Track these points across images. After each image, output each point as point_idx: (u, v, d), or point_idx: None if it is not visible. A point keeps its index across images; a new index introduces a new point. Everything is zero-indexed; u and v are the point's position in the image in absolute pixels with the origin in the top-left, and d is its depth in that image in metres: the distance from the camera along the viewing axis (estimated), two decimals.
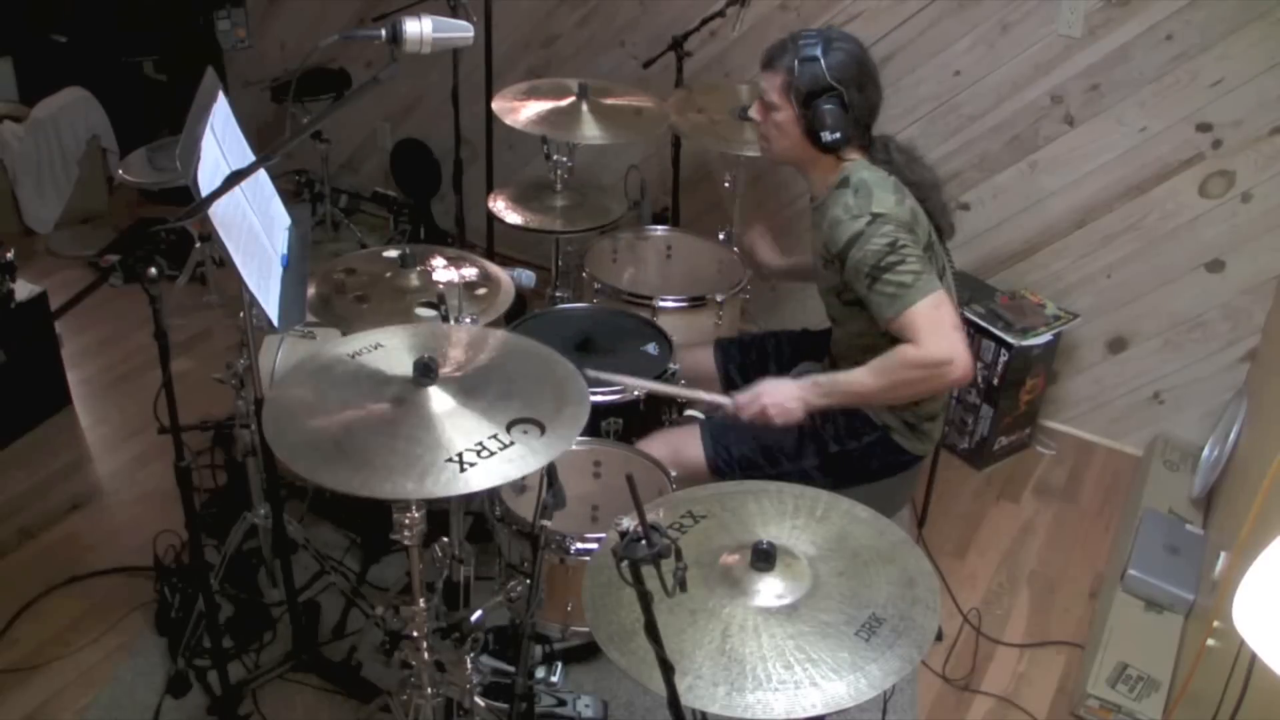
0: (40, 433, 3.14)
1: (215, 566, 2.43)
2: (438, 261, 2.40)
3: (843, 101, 2.06)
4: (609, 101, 2.96)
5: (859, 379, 2.10)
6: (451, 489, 1.47)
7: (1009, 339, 2.98)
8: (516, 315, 2.74)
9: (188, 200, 1.62)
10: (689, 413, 2.53)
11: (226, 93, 1.97)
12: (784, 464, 2.29)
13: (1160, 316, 3.06)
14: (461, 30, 1.67)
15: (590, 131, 2.86)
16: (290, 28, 4.23)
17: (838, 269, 2.12)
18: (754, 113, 2.19)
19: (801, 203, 3.48)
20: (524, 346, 1.81)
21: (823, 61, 2.04)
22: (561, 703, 2.20)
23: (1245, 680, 1.58)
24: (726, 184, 3.09)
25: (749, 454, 2.31)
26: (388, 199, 4.15)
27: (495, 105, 2.90)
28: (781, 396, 2.16)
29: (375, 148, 4.29)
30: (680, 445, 2.34)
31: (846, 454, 2.28)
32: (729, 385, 2.59)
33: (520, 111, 2.87)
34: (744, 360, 2.59)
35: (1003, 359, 3.01)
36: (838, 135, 2.07)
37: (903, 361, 2.03)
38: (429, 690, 1.91)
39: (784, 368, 2.51)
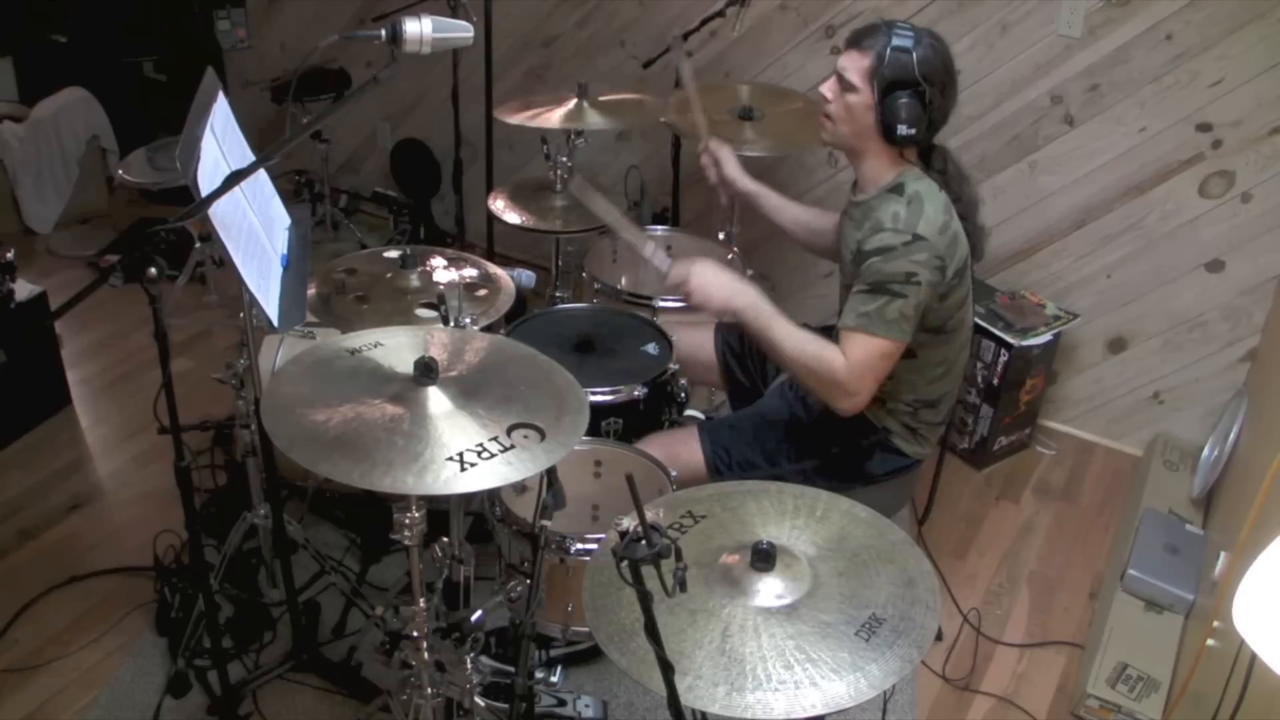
0: (40, 433, 3.14)
1: (215, 566, 2.43)
2: (438, 262, 2.40)
3: (923, 99, 2.00)
4: (608, 99, 2.96)
5: (783, 336, 2.10)
6: (451, 487, 1.47)
7: (1009, 339, 2.98)
8: (517, 315, 2.75)
9: (188, 200, 1.62)
10: (689, 413, 2.53)
11: (226, 93, 1.97)
12: (783, 465, 2.29)
13: (1160, 316, 3.06)
14: (461, 30, 1.67)
15: (593, 120, 2.85)
16: (290, 28, 4.23)
17: (859, 263, 2.10)
18: (826, 89, 2.10)
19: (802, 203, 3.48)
20: (523, 353, 1.81)
21: (914, 54, 1.98)
22: (561, 703, 2.19)
23: (1245, 680, 1.58)
24: None
25: (748, 455, 2.30)
26: (388, 199, 4.15)
27: (497, 113, 2.90)
28: (710, 283, 2.15)
29: (375, 148, 4.29)
30: (678, 448, 2.34)
31: (846, 456, 2.28)
32: (728, 375, 2.60)
33: (521, 114, 2.88)
34: (743, 351, 2.59)
35: (1003, 359, 3.01)
36: (911, 131, 2.02)
37: (823, 362, 2.06)
38: (429, 690, 1.91)
39: None
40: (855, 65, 2.04)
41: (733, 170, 2.58)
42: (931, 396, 2.24)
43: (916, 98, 2.00)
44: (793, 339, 2.10)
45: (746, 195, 2.60)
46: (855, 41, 2.06)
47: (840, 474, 2.27)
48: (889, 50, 1.99)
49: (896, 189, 2.08)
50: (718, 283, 2.16)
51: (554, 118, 2.86)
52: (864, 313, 2.03)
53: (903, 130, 2.02)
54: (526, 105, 2.91)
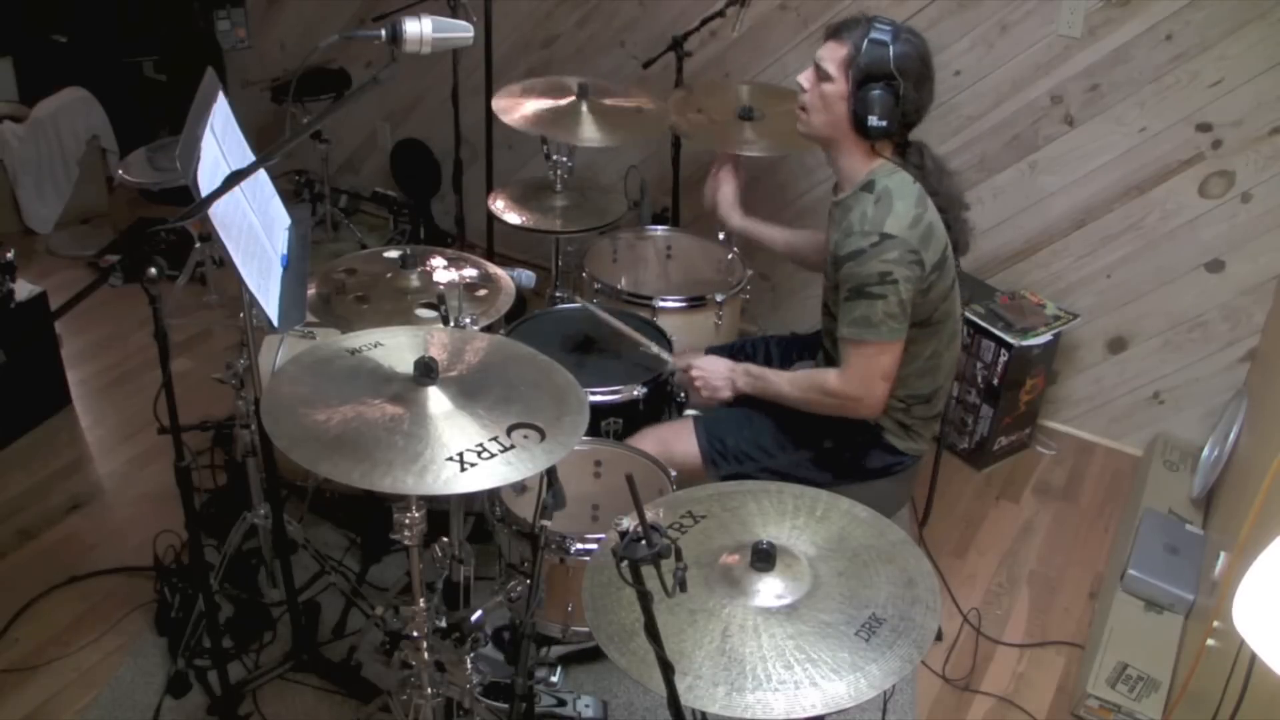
0: (40, 433, 3.14)
1: (215, 566, 2.43)
2: (438, 262, 2.40)
3: (897, 93, 2.02)
4: (609, 102, 2.96)
5: (781, 384, 2.27)
6: (451, 487, 1.47)
7: (1009, 339, 2.98)
8: (517, 316, 2.75)
9: (188, 200, 1.62)
10: (688, 412, 2.53)
11: (226, 93, 1.97)
12: (778, 457, 2.30)
13: (1160, 316, 3.06)
14: (461, 30, 1.67)
15: (589, 134, 2.85)
16: (290, 28, 4.24)
17: (837, 268, 2.12)
18: (803, 79, 2.13)
19: (801, 203, 3.48)
20: (523, 353, 1.81)
21: (890, 48, 2.00)
22: (561, 703, 2.20)
23: (1245, 680, 1.58)
24: None
25: (743, 447, 2.31)
26: (388, 199, 4.15)
27: (495, 104, 2.90)
28: (711, 373, 2.33)
29: (375, 148, 4.29)
30: (673, 439, 2.35)
31: (840, 450, 2.29)
32: None
33: (520, 109, 2.87)
34: (734, 361, 2.59)
35: (1003, 359, 3.01)
36: (883, 124, 2.03)
37: (819, 387, 2.18)
38: (429, 690, 1.91)
39: (771, 368, 2.52)
40: (832, 55, 2.06)
41: (727, 208, 2.69)
42: (923, 391, 2.24)
43: (890, 91, 2.02)
44: (790, 382, 2.25)
45: (738, 231, 2.71)
46: (834, 32, 2.08)
47: (834, 468, 2.28)
48: (866, 42, 2.02)
49: (867, 186, 2.10)
50: (715, 372, 2.33)
51: (554, 120, 2.86)
52: (852, 320, 2.07)
53: (874, 122, 2.04)
54: (525, 101, 2.92)
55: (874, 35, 2.01)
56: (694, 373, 2.34)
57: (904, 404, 2.24)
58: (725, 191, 2.69)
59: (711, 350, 2.64)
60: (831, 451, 2.29)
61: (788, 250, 2.65)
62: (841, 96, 2.06)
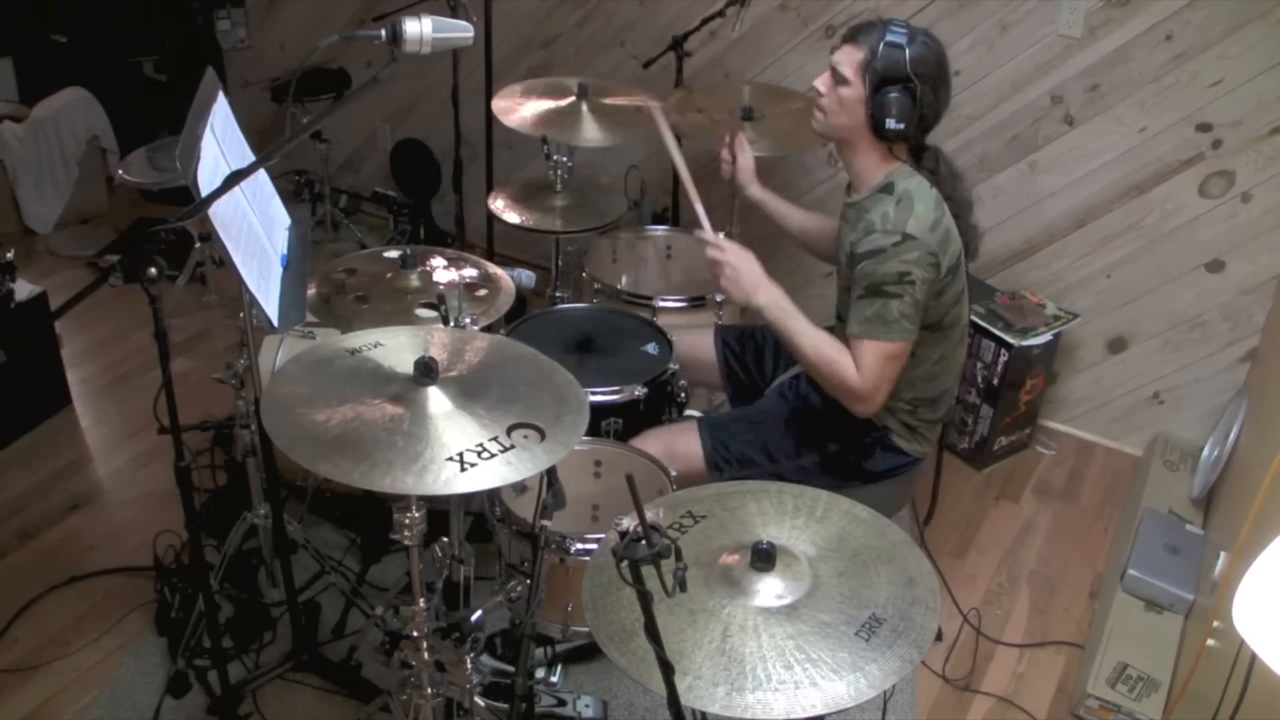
0: (40, 433, 3.14)
1: (215, 566, 2.43)
2: (438, 262, 2.41)
3: (914, 96, 2.01)
4: (609, 101, 2.96)
5: (802, 337, 2.15)
6: (451, 487, 1.47)
7: (1009, 339, 2.98)
8: (517, 315, 2.75)
9: (188, 200, 1.62)
10: (689, 413, 2.53)
11: (226, 93, 1.97)
12: (783, 462, 2.29)
13: (1160, 316, 3.06)
14: (461, 30, 1.67)
15: (590, 134, 2.85)
16: (290, 28, 4.24)
17: (853, 265, 2.12)
18: (820, 83, 2.12)
19: (801, 203, 3.46)
20: (523, 353, 1.81)
21: (907, 51, 1.99)
22: (561, 703, 2.20)
23: (1245, 680, 1.58)
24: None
25: (747, 451, 2.31)
26: (388, 199, 4.15)
27: (495, 105, 2.90)
28: (743, 274, 2.19)
29: (375, 148, 4.29)
30: (677, 442, 2.34)
31: (845, 453, 2.28)
32: (728, 373, 2.59)
33: (520, 110, 2.87)
34: (741, 350, 2.60)
35: (1003, 359, 3.01)
36: (901, 127, 2.03)
37: (837, 370, 2.10)
38: (429, 690, 1.91)
39: (781, 361, 2.52)
40: (849, 59, 2.06)
41: (746, 176, 2.60)
42: (930, 394, 2.24)
43: (907, 94, 2.01)
44: (811, 341, 2.14)
45: (753, 200, 2.63)
46: (851, 36, 2.08)
47: (839, 471, 2.28)
48: (882, 45, 2.01)
49: (887, 188, 2.09)
50: (750, 273, 2.20)
51: (554, 121, 2.86)
52: (866, 318, 2.05)
53: (892, 125, 2.03)
54: (526, 102, 2.92)
55: (890, 38, 2.01)
56: (724, 266, 2.20)
57: (910, 406, 2.24)
58: (743, 159, 2.61)
59: (724, 331, 2.63)
60: (837, 455, 2.28)
61: (799, 231, 2.60)
62: (859, 100, 2.05)
